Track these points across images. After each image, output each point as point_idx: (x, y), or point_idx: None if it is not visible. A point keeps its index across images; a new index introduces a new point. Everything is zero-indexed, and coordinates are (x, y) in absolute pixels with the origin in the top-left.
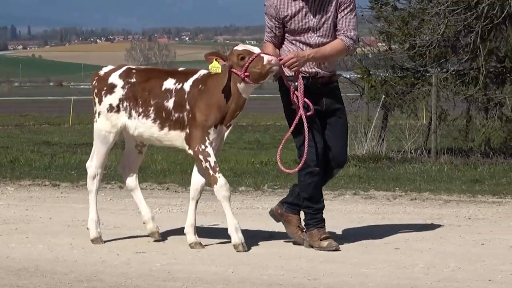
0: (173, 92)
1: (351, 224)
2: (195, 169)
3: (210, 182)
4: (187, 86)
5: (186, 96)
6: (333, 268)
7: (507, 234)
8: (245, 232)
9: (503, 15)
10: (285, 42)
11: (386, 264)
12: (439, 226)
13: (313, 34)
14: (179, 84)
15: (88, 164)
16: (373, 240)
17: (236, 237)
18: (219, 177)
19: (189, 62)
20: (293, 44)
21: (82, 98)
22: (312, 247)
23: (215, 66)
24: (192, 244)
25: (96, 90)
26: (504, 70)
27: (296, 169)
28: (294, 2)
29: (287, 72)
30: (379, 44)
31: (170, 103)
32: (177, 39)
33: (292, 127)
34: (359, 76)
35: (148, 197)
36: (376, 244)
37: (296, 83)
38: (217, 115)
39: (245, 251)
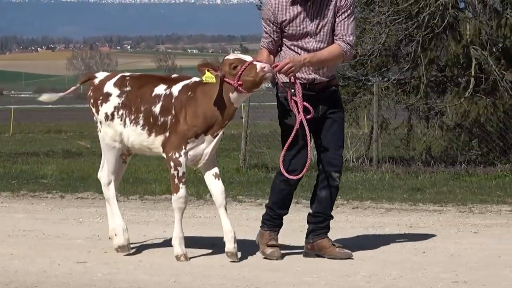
0: (162, 97)
1: (293, 232)
2: (210, 181)
3: (172, 189)
4: (175, 90)
5: (173, 100)
6: (276, 277)
7: (448, 242)
8: (187, 241)
9: (443, 25)
10: (283, 48)
11: (329, 272)
12: (380, 234)
13: (311, 39)
14: (168, 89)
15: (99, 175)
16: None
17: (179, 248)
18: (181, 188)
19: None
20: (291, 49)
21: (22, 107)
22: (258, 245)
23: (209, 77)
24: (229, 253)
25: (92, 100)
26: (445, 79)
27: (301, 175)
28: (292, 7)
29: (283, 78)
30: None
31: (157, 108)
32: (118, 47)
33: (293, 133)
34: None
35: (90, 206)
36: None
37: (293, 89)
38: (201, 125)
39: (187, 260)
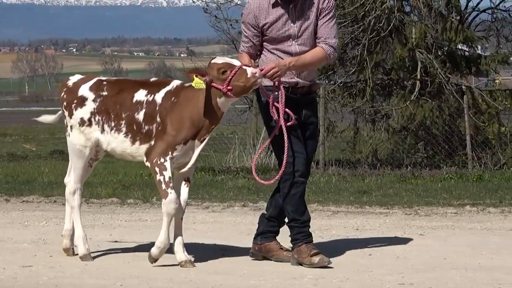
0: (144, 103)
1: (240, 235)
2: (179, 182)
3: (160, 195)
4: (159, 97)
5: (157, 108)
6: (222, 280)
7: (394, 244)
8: (134, 245)
9: (389, 28)
10: (263, 52)
11: (275, 275)
12: (327, 237)
13: (293, 42)
14: (150, 95)
15: (66, 180)
16: None
17: (157, 253)
18: (170, 192)
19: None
20: (272, 53)
21: None
22: (301, 264)
23: (198, 82)
24: (183, 262)
25: (65, 103)
26: (391, 82)
27: (273, 181)
28: (273, 9)
29: (266, 82)
30: None
31: (140, 115)
32: (64, 50)
33: (270, 138)
34: None
35: (35, 210)
36: None
37: (276, 93)
38: (189, 131)
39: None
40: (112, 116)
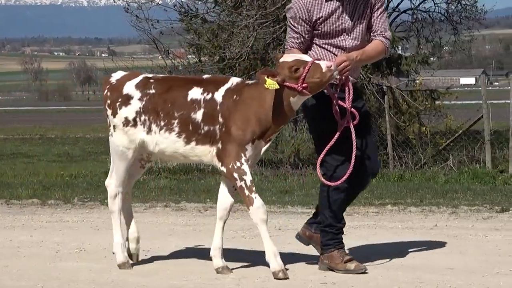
0: (202, 102)
1: (162, 236)
2: (222, 187)
3: (245, 203)
4: (218, 96)
5: (218, 107)
6: (145, 281)
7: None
8: (55, 246)
9: None
10: (313, 47)
11: (198, 276)
12: (250, 237)
13: (347, 36)
14: (208, 94)
15: (107, 182)
16: (185, 252)
17: (276, 263)
18: (255, 198)
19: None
20: (324, 48)
21: None
22: (332, 269)
23: (271, 83)
24: (220, 269)
25: (109, 101)
26: None
27: (339, 182)
28: (327, 3)
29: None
30: (189, 56)
31: (198, 115)
32: None
33: (336, 136)
34: None
35: None
36: (187, 256)
37: (339, 91)
38: (256, 130)
39: (286, 278)
40: (162, 115)
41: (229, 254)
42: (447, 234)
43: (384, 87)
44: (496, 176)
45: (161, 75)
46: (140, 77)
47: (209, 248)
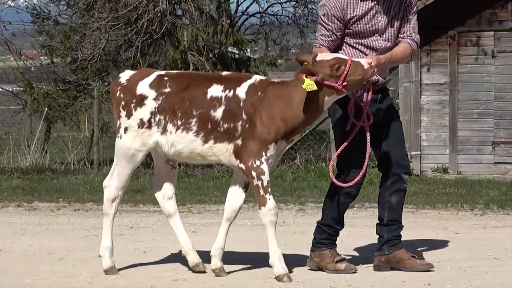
0: (223, 100)
1: (14, 235)
2: (232, 188)
3: (258, 202)
4: (241, 92)
5: (242, 104)
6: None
7: (168, 242)
8: None
9: (162, 31)
10: (344, 46)
11: (51, 274)
12: (100, 235)
13: (378, 37)
14: (230, 91)
15: (106, 183)
16: (37, 251)
17: (280, 267)
18: (269, 199)
19: None
20: (355, 47)
21: None
22: (322, 269)
23: (309, 84)
24: (217, 270)
25: (123, 103)
26: None
27: (352, 183)
28: (362, 2)
29: None
30: (42, 57)
31: (218, 113)
32: None
33: (351, 137)
34: (21, 89)
35: None
36: (39, 254)
37: (361, 91)
38: (281, 129)
39: (290, 281)
40: (179, 114)
41: (81, 253)
42: (294, 230)
43: None
44: None
45: (175, 72)
46: (154, 75)
47: (59, 246)
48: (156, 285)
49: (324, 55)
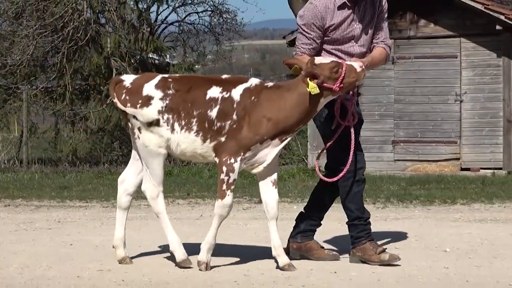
0: (219, 100)
1: None
2: (263, 188)
3: (218, 194)
4: (236, 94)
5: (235, 105)
6: None
7: (93, 235)
8: None
9: (86, 38)
10: (322, 53)
11: None
12: (31, 229)
13: (354, 43)
14: (226, 92)
15: (144, 187)
16: None
17: (204, 256)
18: (228, 195)
19: None
20: (333, 54)
21: None
22: (366, 262)
23: (313, 87)
24: (286, 266)
25: (129, 105)
26: (88, 87)
27: (336, 178)
28: (339, 11)
29: None
30: None
31: (213, 112)
32: None
33: (336, 136)
34: None
35: None
36: None
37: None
38: (268, 133)
39: (208, 270)
40: (183, 114)
41: (11, 246)
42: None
43: None
44: None
45: (178, 75)
46: (158, 78)
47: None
48: (82, 275)
49: (322, 59)
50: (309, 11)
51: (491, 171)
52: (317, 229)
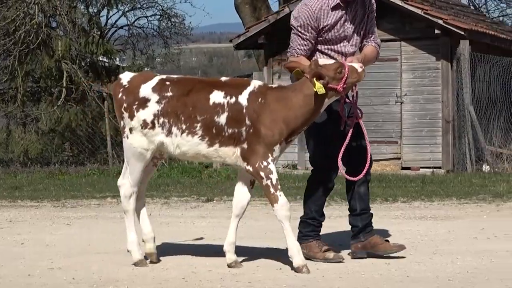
0: (226, 106)
1: None
2: (238, 185)
3: (269, 200)
4: (243, 99)
5: (244, 110)
6: None
7: (44, 233)
8: None
9: (38, 41)
10: (316, 53)
11: None
12: None
13: (347, 43)
14: (231, 97)
15: (120, 182)
16: None
17: (299, 259)
18: (280, 195)
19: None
20: (326, 53)
21: None
22: (311, 259)
23: (320, 87)
24: (232, 263)
25: (125, 104)
26: (40, 89)
27: (359, 177)
28: (332, 12)
29: None
30: None
31: (222, 119)
32: None
33: (349, 135)
34: None
35: None
36: None
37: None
38: (283, 132)
39: (308, 273)
40: (183, 118)
41: None
42: (160, 222)
43: (104, 93)
44: (202, 170)
45: (175, 76)
46: (156, 79)
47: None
48: (33, 273)
49: (325, 60)
50: (304, 12)
51: (431, 170)
52: (372, 220)
